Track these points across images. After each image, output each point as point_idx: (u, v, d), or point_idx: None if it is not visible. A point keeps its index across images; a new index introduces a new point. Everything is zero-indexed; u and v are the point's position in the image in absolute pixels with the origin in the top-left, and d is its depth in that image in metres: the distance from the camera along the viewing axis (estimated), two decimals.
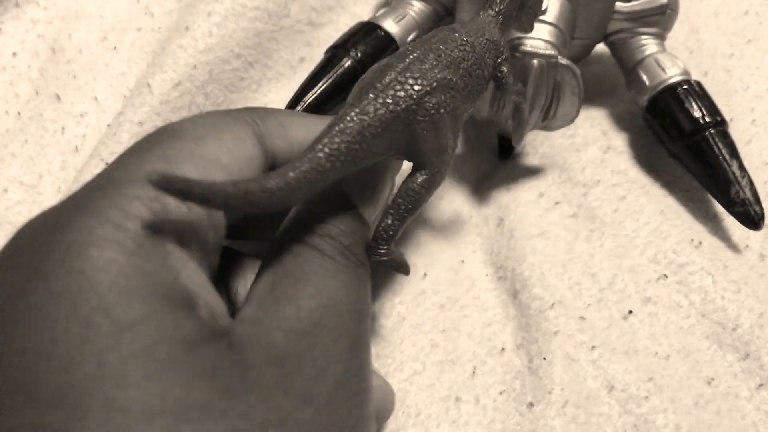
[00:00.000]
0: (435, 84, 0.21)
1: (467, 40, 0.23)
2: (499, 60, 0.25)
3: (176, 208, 0.17)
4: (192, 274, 0.17)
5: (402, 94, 0.20)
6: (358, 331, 0.18)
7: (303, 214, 0.20)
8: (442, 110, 0.21)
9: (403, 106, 0.20)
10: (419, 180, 0.21)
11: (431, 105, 0.21)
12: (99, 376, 0.14)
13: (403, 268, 0.22)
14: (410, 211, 0.21)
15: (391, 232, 0.21)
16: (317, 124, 0.23)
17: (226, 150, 0.19)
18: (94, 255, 0.15)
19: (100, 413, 0.13)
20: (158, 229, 0.16)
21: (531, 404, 0.28)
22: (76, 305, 0.14)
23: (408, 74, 0.21)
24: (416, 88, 0.21)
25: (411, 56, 0.21)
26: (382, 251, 0.21)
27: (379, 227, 0.21)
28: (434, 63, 0.21)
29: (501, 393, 0.28)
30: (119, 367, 0.14)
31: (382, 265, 0.22)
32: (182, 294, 0.16)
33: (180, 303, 0.16)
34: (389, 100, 0.20)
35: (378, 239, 0.21)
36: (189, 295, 0.16)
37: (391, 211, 0.21)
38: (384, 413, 0.26)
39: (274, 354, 0.16)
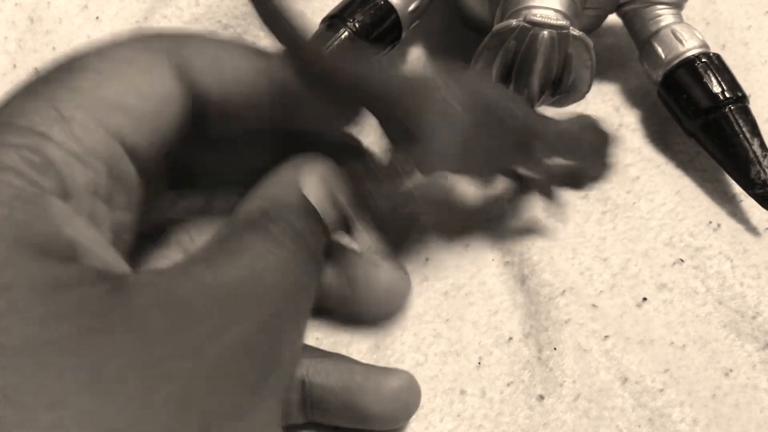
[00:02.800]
0: None
1: None
2: None
3: (61, 158, 0.16)
4: (81, 228, 0.16)
5: None
6: (282, 310, 0.18)
7: (266, 188, 0.19)
8: None
9: None
10: None
11: None
12: None
13: None
14: None
15: None
16: (254, 59, 0.20)
17: (133, 89, 0.18)
18: None
19: None
20: (36, 181, 0.16)
21: (541, 397, 0.26)
22: None
23: None
24: None
25: None
26: None
27: None
28: None
29: (508, 385, 0.27)
30: None
31: None
32: (63, 244, 0.16)
33: (55, 252, 0.16)
34: None
35: None
36: (72, 246, 0.16)
37: None
38: (395, 303, 0.23)
39: (172, 300, 0.16)
